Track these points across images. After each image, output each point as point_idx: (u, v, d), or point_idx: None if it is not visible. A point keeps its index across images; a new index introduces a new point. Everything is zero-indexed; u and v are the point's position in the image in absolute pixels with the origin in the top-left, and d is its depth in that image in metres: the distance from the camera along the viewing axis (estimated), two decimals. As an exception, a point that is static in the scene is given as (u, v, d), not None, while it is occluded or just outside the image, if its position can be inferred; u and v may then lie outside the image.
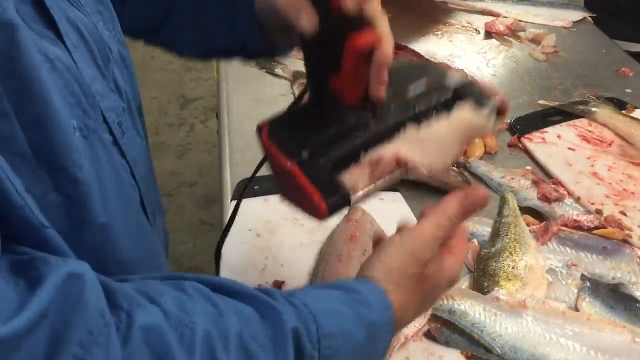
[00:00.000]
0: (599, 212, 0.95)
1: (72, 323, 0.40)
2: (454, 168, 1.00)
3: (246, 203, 0.93)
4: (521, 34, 1.50)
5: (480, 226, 0.92)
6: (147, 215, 0.71)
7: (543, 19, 1.55)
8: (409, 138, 0.61)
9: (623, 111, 1.17)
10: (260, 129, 0.61)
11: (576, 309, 0.80)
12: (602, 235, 0.90)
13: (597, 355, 0.73)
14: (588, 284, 0.82)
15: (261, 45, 0.72)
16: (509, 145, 1.12)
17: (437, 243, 0.59)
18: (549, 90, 1.28)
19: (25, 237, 0.44)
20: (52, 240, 0.46)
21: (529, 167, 1.04)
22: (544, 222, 0.92)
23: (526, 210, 0.96)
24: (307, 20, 0.59)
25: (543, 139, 1.12)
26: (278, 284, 0.83)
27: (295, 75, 1.31)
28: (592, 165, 1.05)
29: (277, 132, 0.61)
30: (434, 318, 0.77)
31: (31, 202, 0.45)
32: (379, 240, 0.63)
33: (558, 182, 1.01)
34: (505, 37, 1.48)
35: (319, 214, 0.57)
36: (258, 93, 1.27)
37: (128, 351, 0.42)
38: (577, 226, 0.92)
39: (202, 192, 2.53)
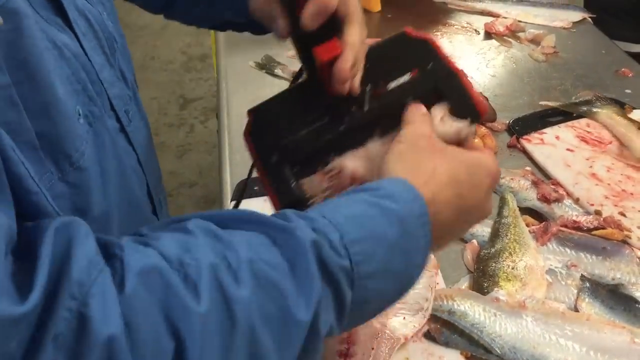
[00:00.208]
0: (598, 213, 0.95)
1: (62, 279, 0.38)
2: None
3: (246, 204, 0.93)
4: (521, 34, 1.50)
5: (480, 227, 0.92)
6: (153, 203, 0.71)
7: (543, 19, 1.55)
8: (370, 154, 0.60)
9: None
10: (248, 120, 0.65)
11: (576, 310, 0.80)
12: (602, 236, 0.90)
13: (597, 356, 0.73)
14: (587, 284, 0.82)
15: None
16: (509, 146, 1.12)
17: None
18: (548, 90, 1.28)
19: None
20: None
21: (528, 168, 1.04)
22: (543, 223, 0.93)
23: (526, 210, 0.96)
24: (279, 27, 0.61)
25: (542, 140, 1.12)
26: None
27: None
28: (591, 166, 1.05)
29: (259, 124, 0.64)
30: (434, 318, 0.78)
31: (45, 189, 0.45)
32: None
33: (557, 183, 1.01)
34: (505, 37, 1.48)
35: None
36: (258, 93, 1.27)
37: (126, 297, 0.40)
38: (577, 227, 0.92)
39: (202, 192, 2.53)
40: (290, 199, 0.61)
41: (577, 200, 0.98)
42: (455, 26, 1.55)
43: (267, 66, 1.36)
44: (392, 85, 0.63)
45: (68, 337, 0.37)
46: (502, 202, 0.96)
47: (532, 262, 0.84)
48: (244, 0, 0.68)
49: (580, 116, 1.17)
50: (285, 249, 0.46)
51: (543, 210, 0.96)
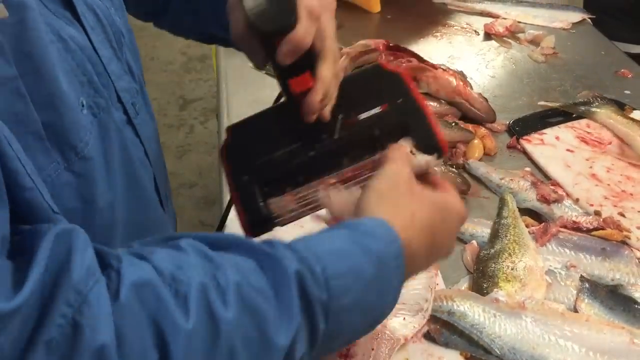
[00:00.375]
0: (597, 213, 0.95)
1: (59, 284, 0.39)
2: (453, 169, 1.01)
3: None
4: (520, 35, 1.50)
5: (480, 227, 0.93)
6: (160, 197, 0.72)
7: (542, 20, 1.55)
8: (336, 192, 0.63)
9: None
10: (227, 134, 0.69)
11: (575, 310, 0.80)
12: (601, 237, 0.90)
13: (596, 356, 0.73)
14: (587, 285, 0.82)
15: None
16: (508, 147, 1.12)
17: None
18: (548, 91, 1.29)
19: (34, 222, 0.45)
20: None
21: (528, 169, 1.04)
22: (543, 224, 0.93)
23: (525, 211, 0.96)
24: (256, 60, 0.66)
25: (541, 140, 1.12)
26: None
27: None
28: (591, 167, 1.05)
29: (236, 142, 0.69)
30: (434, 319, 0.78)
31: (42, 185, 0.46)
32: None
33: (557, 184, 1.01)
34: (504, 38, 1.48)
35: (245, 233, 0.65)
36: (258, 94, 1.27)
37: (119, 308, 0.41)
38: (576, 227, 0.92)
39: (202, 193, 2.53)
40: (257, 217, 0.65)
41: (576, 201, 0.98)
42: (455, 27, 1.55)
43: (267, 67, 1.36)
44: (363, 116, 0.67)
45: (61, 343, 0.38)
46: (502, 202, 0.96)
47: (532, 263, 0.85)
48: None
49: (580, 117, 1.17)
50: (271, 276, 0.48)
51: (542, 211, 0.96)
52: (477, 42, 1.49)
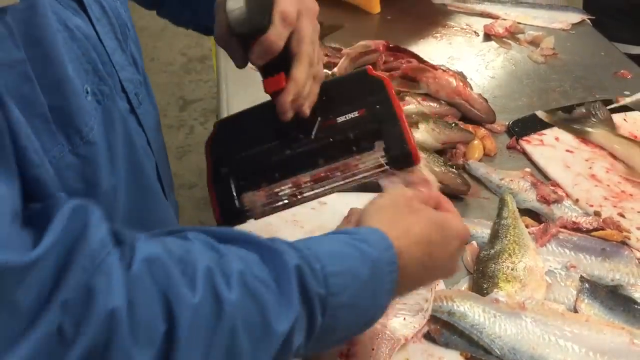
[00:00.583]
0: (597, 214, 0.95)
1: (75, 250, 0.42)
2: (453, 170, 1.01)
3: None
4: (520, 36, 1.50)
5: (480, 228, 0.93)
6: (162, 186, 0.74)
7: (542, 21, 1.56)
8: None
9: (614, 104, 1.18)
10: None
11: (575, 311, 0.80)
12: (601, 237, 0.91)
13: (596, 357, 0.73)
14: (587, 285, 0.82)
15: None
16: (508, 148, 1.12)
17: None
18: (547, 92, 1.29)
19: (40, 200, 0.46)
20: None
21: (527, 169, 1.04)
22: (543, 224, 0.93)
23: (525, 212, 0.96)
24: (236, 59, 0.69)
25: (541, 141, 1.12)
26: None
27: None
28: (591, 168, 1.05)
29: (220, 137, 0.74)
30: (434, 319, 0.78)
31: (48, 165, 0.48)
32: None
33: (556, 184, 1.01)
34: (504, 39, 1.49)
35: (217, 222, 0.70)
36: (257, 95, 1.26)
37: (131, 279, 0.44)
38: (576, 228, 0.92)
39: (202, 194, 2.53)
40: (230, 209, 0.69)
41: (576, 202, 0.98)
42: (455, 28, 1.55)
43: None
44: (340, 119, 0.70)
45: (76, 305, 0.41)
46: (502, 203, 0.96)
47: (532, 263, 0.85)
48: None
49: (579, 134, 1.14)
50: (272, 268, 0.51)
51: (542, 212, 0.96)
52: (477, 43, 1.49)
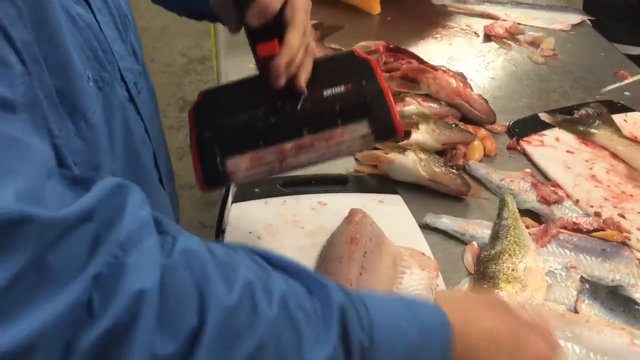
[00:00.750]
0: (597, 214, 0.95)
1: (113, 225, 0.41)
2: (454, 170, 1.01)
3: (247, 206, 0.93)
4: (520, 37, 1.50)
5: (480, 228, 0.93)
6: (160, 174, 0.75)
7: (542, 22, 1.56)
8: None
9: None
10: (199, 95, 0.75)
11: (575, 311, 0.80)
12: (601, 238, 0.91)
13: (597, 357, 0.73)
14: (587, 286, 0.82)
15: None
16: (508, 148, 1.12)
17: None
18: (547, 93, 1.29)
19: None
20: None
21: (528, 170, 1.04)
22: (543, 225, 0.93)
23: (525, 212, 0.96)
24: (231, 23, 0.70)
25: (542, 142, 1.12)
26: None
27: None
28: (591, 168, 1.05)
29: (206, 104, 0.74)
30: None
31: (63, 139, 0.49)
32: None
33: (557, 185, 1.01)
34: (504, 40, 1.49)
35: (200, 187, 0.70)
36: (258, 96, 1.28)
37: (167, 266, 0.42)
38: (576, 229, 0.92)
39: (202, 194, 2.53)
40: (213, 173, 0.70)
41: (576, 202, 0.98)
42: (455, 29, 1.55)
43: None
44: (327, 92, 0.71)
45: (106, 280, 0.39)
46: (502, 204, 0.96)
47: (532, 264, 0.85)
48: None
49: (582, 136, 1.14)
50: (316, 300, 0.49)
51: (543, 212, 0.96)
52: (477, 44, 1.49)
